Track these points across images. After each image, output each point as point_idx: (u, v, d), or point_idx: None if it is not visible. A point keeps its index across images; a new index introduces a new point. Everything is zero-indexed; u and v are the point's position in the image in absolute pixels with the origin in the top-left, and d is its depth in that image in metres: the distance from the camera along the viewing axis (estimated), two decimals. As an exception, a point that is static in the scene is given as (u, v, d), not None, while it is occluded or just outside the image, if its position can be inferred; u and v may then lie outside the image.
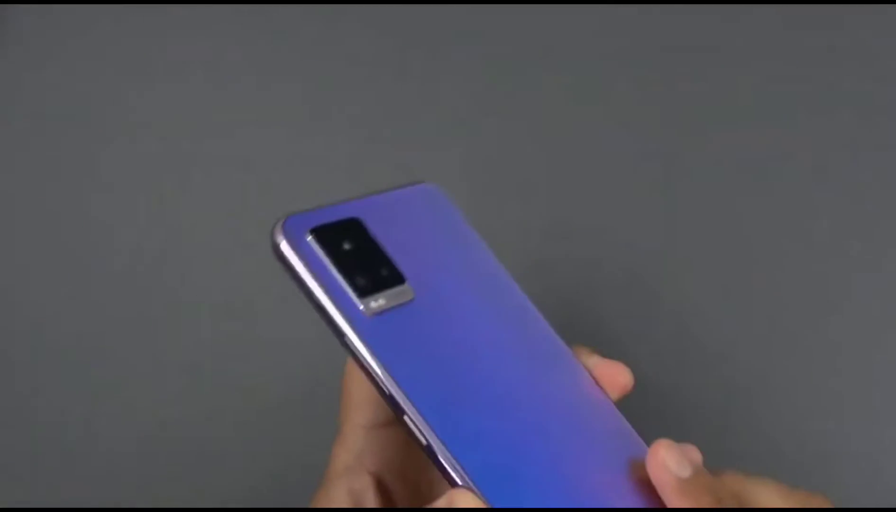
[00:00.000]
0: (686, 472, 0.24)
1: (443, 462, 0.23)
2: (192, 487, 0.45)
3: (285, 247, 0.24)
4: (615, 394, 0.28)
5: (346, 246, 0.25)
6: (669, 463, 0.24)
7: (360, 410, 0.28)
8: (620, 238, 0.45)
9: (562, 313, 0.44)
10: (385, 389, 0.23)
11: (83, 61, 0.48)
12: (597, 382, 0.28)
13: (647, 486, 0.25)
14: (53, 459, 0.45)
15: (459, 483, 0.23)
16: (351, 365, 0.28)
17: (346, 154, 0.47)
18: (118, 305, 0.46)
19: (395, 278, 0.25)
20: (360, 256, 0.25)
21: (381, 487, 0.28)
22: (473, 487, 0.23)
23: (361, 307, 0.24)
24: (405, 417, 0.23)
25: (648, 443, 0.26)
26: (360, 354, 0.23)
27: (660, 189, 0.45)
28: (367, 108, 0.47)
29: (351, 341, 0.24)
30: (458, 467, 0.23)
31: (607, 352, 0.28)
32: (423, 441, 0.23)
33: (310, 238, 0.24)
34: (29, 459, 0.45)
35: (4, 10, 0.47)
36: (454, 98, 0.47)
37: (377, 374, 0.23)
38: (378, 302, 0.24)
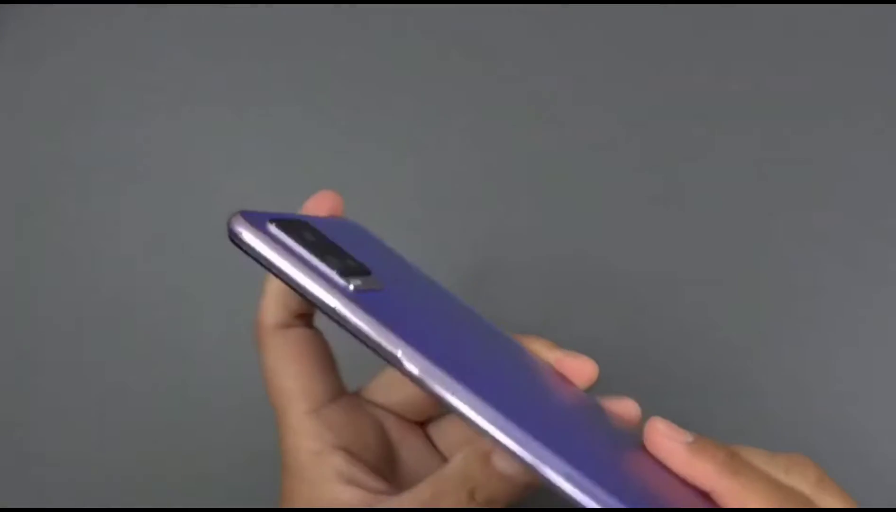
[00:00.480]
0: (689, 437, 0.24)
1: (528, 457, 0.21)
2: (192, 486, 0.44)
3: (250, 234, 0.23)
4: (580, 387, 0.27)
5: (308, 237, 0.24)
6: (672, 433, 0.24)
7: (298, 399, 0.28)
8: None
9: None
10: (408, 364, 0.22)
11: (83, 62, 0.48)
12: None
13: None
14: (53, 458, 0.45)
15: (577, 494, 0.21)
16: (275, 359, 0.28)
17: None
18: (117, 303, 0.46)
19: (362, 269, 0.25)
20: (323, 247, 0.24)
21: (355, 457, 0.28)
22: (595, 489, 0.21)
23: (344, 283, 0.23)
24: (438, 388, 0.22)
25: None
26: (357, 325, 0.22)
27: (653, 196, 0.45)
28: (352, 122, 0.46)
29: (344, 315, 0.22)
30: (571, 471, 0.21)
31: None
32: (474, 418, 0.21)
33: (272, 227, 0.24)
34: (28, 458, 0.45)
35: (4, 11, 0.48)
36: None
37: (389, 346, 0.22)
38: (356, 283, 0.23)
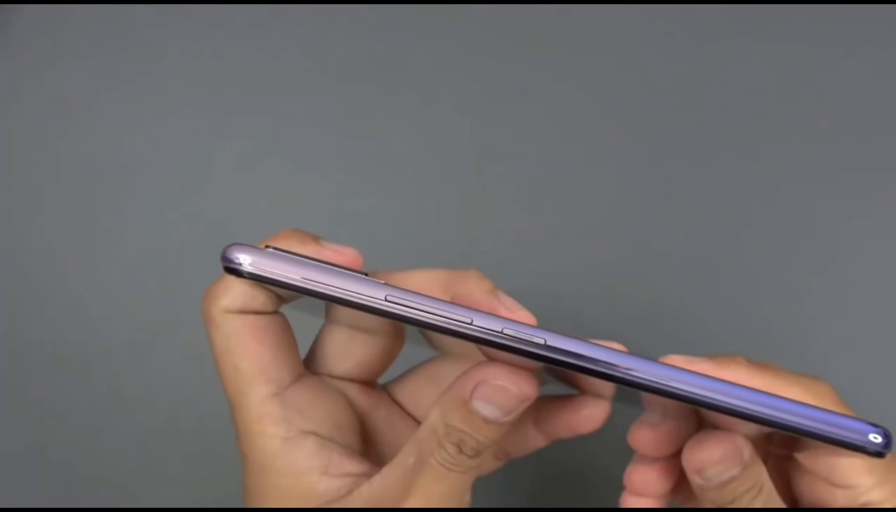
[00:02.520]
0: (704, 359, 0.24)
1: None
2: (191, 486, 0.44)
3: (257, 262, 0.22)
4: None
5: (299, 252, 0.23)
6: (689, 358, 0.24)
7: (261, 381, 0.25)
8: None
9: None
10: (484, 322, 0.22)
11: (84, 63, 0.47)
12: None
13: None
14: (53, 458, 0.45)
15: None
16: (229, 338, 0.25)
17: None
18: (114, 305, 0.46)
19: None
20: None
21: (327, 440, 0.26)
22: None
23: (376, 280, 0.22)
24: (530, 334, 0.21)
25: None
26: (421, 305, 0.22)
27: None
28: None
29: (402, 302, 0.21)
30: None
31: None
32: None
33: (271, 249, 0.22)
34: (29, 458, 0.45)
35: (4, 11, 0.48)
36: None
37: (461, 315, 0.21)
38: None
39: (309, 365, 0.28)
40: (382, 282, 0.22)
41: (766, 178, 0.44)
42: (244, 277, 0.22)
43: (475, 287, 0.25)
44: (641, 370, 0.21)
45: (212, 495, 0.44)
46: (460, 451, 0.23)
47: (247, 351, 0.25)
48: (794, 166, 0.44)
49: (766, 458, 0.26)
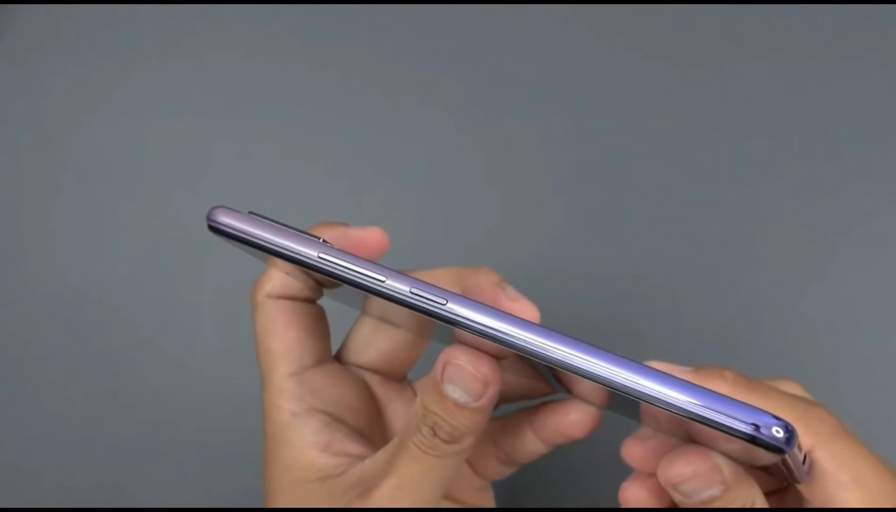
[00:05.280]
0: (688, 368, 0.24)
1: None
2: (191, 487, 0.44)
3: (227, 220, 0.24)
4: None
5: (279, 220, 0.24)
6: (672, 366, 0.24)
7: (284, 360, 0.27)
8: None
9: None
10: (395, 283, 0.22)
11: (83, 63, 0.47)
12: None
13: None
14: (54, 458, 0.45)
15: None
16: (265, 320, 0.27)
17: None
18: (111, 305, 0.46)
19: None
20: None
21: (335, 421, 0.27)
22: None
23: (322, 239, 0.24)
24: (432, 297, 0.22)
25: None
26: (341, 264, 0.23)
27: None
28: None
29: (331, 259, 0.23)
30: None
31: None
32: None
33: (251, 215, 0.24)
34: (30, 458, 0.45)
35: (4, 10, 0.48)
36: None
37: (376, 273, 0.22)
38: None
39: (339, 353, 0.29)
40: (335, 248, 0.23)
41: (767, 179, 0.44)
42: (219, 234, 0.24)
43: (484, 280, 0.26)
44: (526, 336, 0.21)
45: (212, 495, 0.44)
46: (434, 434, 0.24)
47: (277, 333, 0.27)
48: (795, 168, 0.44)
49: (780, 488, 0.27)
